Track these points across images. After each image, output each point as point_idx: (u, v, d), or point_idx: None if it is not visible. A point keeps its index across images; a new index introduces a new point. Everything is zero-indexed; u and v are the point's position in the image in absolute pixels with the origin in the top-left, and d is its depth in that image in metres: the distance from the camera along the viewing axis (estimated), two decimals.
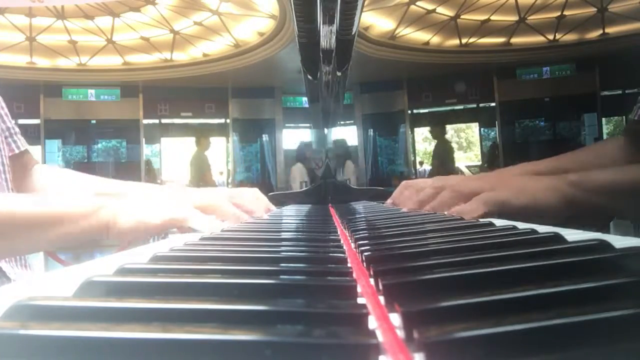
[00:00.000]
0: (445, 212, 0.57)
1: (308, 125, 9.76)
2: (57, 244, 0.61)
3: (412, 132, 10.13)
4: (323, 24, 0.75)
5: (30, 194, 0.68)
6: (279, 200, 1.37)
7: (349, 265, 0.27)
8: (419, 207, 0.66)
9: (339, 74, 1.04)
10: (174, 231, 0.56)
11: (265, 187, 9.01)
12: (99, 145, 9.88)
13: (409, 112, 9.96)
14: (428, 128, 9.41)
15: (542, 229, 0.34)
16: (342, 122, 9.33)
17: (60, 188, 0.81)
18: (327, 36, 0.80)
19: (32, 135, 8.33)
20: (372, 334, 0.14)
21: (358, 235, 0.37)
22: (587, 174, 0.61)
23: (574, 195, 0.57)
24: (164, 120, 9.86)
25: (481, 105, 9.86)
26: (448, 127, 10.32)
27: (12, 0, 6.46)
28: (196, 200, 0.57)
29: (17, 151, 0.81)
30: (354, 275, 0.23)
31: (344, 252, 0.30)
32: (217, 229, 0.52)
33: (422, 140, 10.59)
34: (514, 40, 8.78)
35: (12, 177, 0.75)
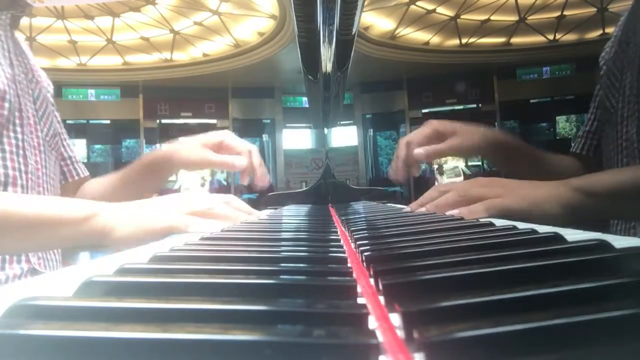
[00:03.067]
0: (447, 213, 0.58)
1: (308, 125, 9.77)
2: (49, 246, 0.61)
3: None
4: (323, 24, 0.75)
5: (28, 195, 0.69)
6: (279, 201, 1.37)
7: (349, 265, 0.27)
8: (420, 205, 0.67)
9: (339, 74, 1.04)
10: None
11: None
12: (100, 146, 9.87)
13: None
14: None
15: (542, 229, 0.34)
16: (341, 122, 9.33)
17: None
18: (327, 36, 0.80)
19: None
20: (372, 334, 0.14)
21: (358, 235, 0.37)
22: (589, 177, 0.62)
23: (578, 200, 0.58)
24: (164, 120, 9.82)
25: (470, 106, 9.83)
26: None
27: None
28: (190, 205, 0.56)
29: (76, 178, 0.90)
30: (354, 275, 0.23)
31: (344, 252, 0.30)
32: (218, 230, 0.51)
33: None
34: (514, 40, 8.79)
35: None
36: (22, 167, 0.70)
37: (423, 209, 0.69)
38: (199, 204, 0.56)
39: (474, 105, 9.84)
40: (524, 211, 0.56)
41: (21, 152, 0.70)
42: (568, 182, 0.60)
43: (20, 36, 0.82)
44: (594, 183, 0.60)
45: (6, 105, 0.67)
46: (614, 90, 0.79)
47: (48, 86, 0.86)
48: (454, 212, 0.56)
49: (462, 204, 0.59)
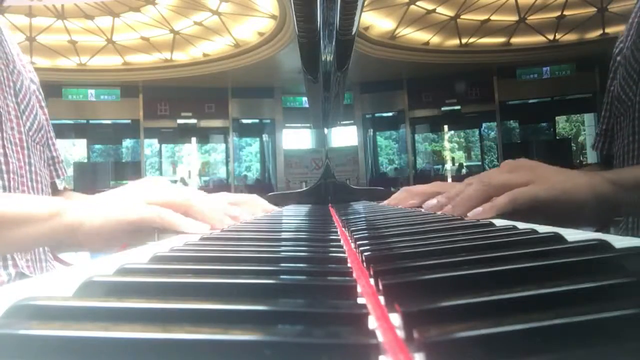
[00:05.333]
0: (471, 212, 0.53)
1: (308, 125, 9.77)
2: (13, 247, 0.57)
3: (413, 131, 10.11)
4: (323, 24, 0.75)
5: None
6: (279, 201, 1.37)
7: (349, 265, 0.27)
8: (445, 204, 0.61)
9: (339, 74, 1.04)
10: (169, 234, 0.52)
11: (265, 187, 9.02)
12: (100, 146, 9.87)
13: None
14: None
15: (542, 229, 0.34)
16: (341, 122, 9.33)
17: None
18: (327, 36, 0.80)
19: None
20: (372, 334, 0.14)
21: (358, 235, 0.37)
22: (624, 170, 0.58)
23: (613, 192, 0.54)
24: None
25: (451, 108, 9.78)
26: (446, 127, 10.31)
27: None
28: (157, 197, 0.51)
29: (56, 179, 0.85)
30: (354, 275, 0.23)
31: (344, 252, 0.30)
32: (199, 227, 0.49)
33: (422, 139, 10.60)
34: (514, 40, 8.79)
35: None
36: (3, 167, 0.65)
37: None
38: (174, 195, 0.52)
39: (457, 107, 9.75)
40: (554, 200, 0.51)
41: (1, 150, 0.65)
42: (602, 173, 0.56)
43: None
44: (630, 175, 0.56)
45: None
46: (631, 82, 0.74)
47: (34, 77, 0.81)
48: (477, 210, 0.52)
49: (486, 194, 0.53)
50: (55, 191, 0.86)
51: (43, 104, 0.82)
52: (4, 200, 0.51)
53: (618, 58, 0.80)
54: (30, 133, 0.74)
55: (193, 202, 0.53)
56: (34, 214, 0.49)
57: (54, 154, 0.85)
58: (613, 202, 0.54)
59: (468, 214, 0.53)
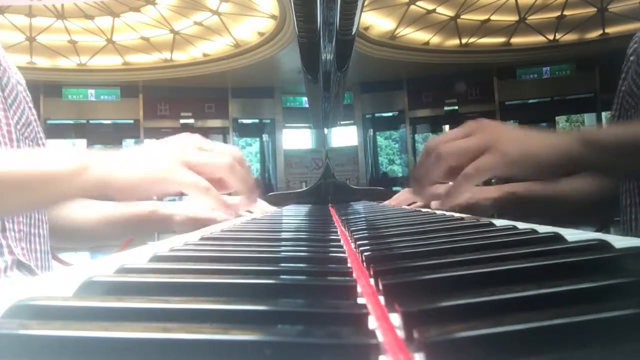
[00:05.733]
0: (433, 203, 0.51)
1: (308, 125, 9.77)
2: (45, 204, 0.57)
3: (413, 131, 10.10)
4: (323, 24, 0.75)
5: (12, 151, 0.64)
6: (278, 201, 1.37)
7: (349, 265, 0.27)
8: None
9: (339, 74, 1.04)
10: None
11: (265, 187, 9.01)
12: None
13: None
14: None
15: (542, 229, 0.34)
16: (341, 122, 9.33)
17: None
18: (327, 36, 0.80)
19: None
20: (372, 334, 0.14)
21: (358, 235, 0.37)
22: (606, 129, 0.56)
23: (578, 151, 0.50)
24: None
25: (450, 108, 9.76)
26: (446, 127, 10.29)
27: None
28: (193, 158, 0.49)
29: None
30: (354, 275, 0.23)
31: (344, 252, 0.30)
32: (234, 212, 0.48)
33: (423, 139, 10.59)
34: (514, 40, 8.79)
35: None
36: None
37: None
38: (215, 156, 0.50)
39: (457, 107, 9.73)
40: (515, 168, 0.48)
41: None
42: (579, 132, 0.53)
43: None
44: (610, 134, 0.52)
45: None
46: None
47: (20, 79, 0.82)
48: (436, 203, 0.50)
49: (448, 172, 0.49)
50: None
51: (30, 104, 0.83)
52: (29, 157, 0.51)
53: (632, 58, 0.81)
54: (19, 127, 0.75)
55: (233, 172, 0.50)
56: (61, 170, 0.48)
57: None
58: (583, 163, 0.50)
59: (431, 205, 0.50)
